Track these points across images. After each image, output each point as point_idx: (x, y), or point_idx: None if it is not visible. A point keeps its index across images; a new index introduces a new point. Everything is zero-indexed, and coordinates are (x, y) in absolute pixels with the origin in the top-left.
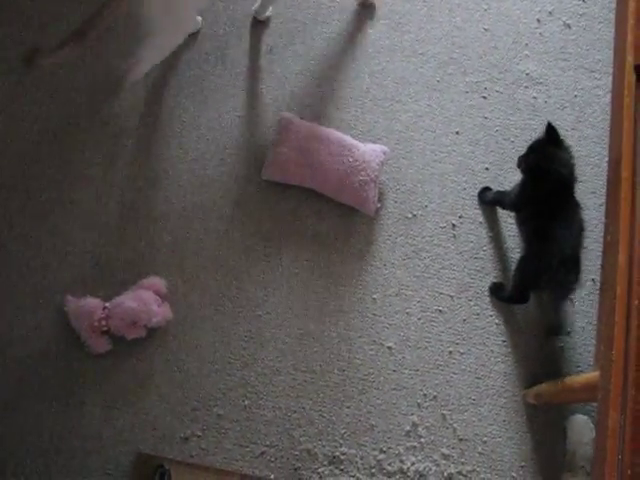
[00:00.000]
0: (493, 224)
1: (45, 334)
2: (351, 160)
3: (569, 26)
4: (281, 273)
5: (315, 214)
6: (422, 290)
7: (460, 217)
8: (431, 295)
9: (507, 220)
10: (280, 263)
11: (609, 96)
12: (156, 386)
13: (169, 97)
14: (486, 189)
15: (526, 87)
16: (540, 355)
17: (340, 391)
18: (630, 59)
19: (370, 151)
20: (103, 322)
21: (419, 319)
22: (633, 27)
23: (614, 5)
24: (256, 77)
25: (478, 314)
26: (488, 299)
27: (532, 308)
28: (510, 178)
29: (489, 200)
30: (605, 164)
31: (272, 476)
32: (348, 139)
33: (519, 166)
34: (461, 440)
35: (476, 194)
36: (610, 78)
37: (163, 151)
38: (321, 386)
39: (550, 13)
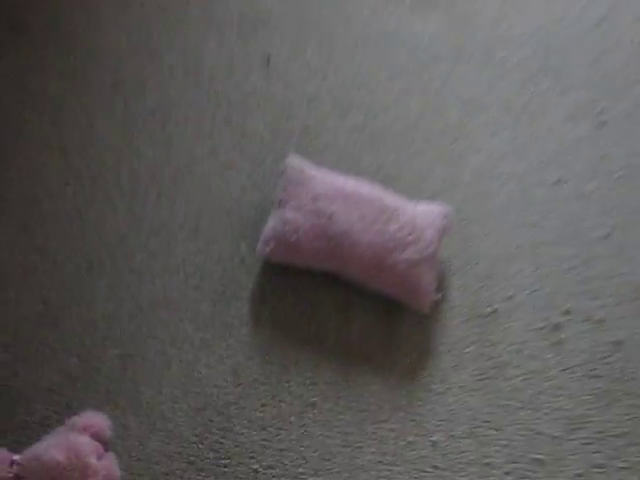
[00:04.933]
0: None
1: None
2: (394, 229)
3: None
4: (289, 404)
5: (339, 312)
6: (509, 428)
7: (566, 312)
8: (524, 436)
9: None
10: (287, 389)
11: None
12: None
13: None
14: None
15: None
16: None
17: None
18: None
19: (423, 214)
20: None
21: (506, 473)
22: None
23: None
24: (246, 102)
25: (601, 466)
26: (616, 441)
27: None
28: None
29: None
30: None
31: None
32: (389, 197)
33: None
34: None
35: (590, 275)
36: None
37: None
38: None
39: None
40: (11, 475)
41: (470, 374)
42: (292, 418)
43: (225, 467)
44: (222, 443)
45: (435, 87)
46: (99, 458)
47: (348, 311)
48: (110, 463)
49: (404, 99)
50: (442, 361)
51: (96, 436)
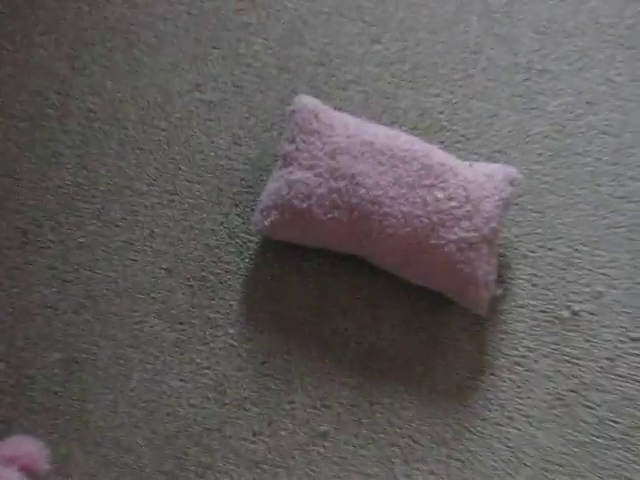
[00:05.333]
0: None
1: None
2: (441, 197)
3: None
4: (292, 433)
5: (363, 309)
6: (592, 475)
7: None
8: None
9: None
10: (290, 413)
11: None
12: None
13: None
14: None
15: None
16: None
17: None
18: None
19: (481, 178)
20: None
21: None
22: None
23: None
24: (239, 15)
25: None
26: None
27: None
28: None
29: None
30: None
31: None
32: (435, 153)
33: None
34: None
35: None
36: None
37: None
38: None
39: None
40: None
41: (540, 399)
42: (295, 452)
43: None
44: None
45: (504, 2)
46: None
47: (375, 308)
48: None
49: (460, 18)
50: (502, 380)
51: (27, 470)
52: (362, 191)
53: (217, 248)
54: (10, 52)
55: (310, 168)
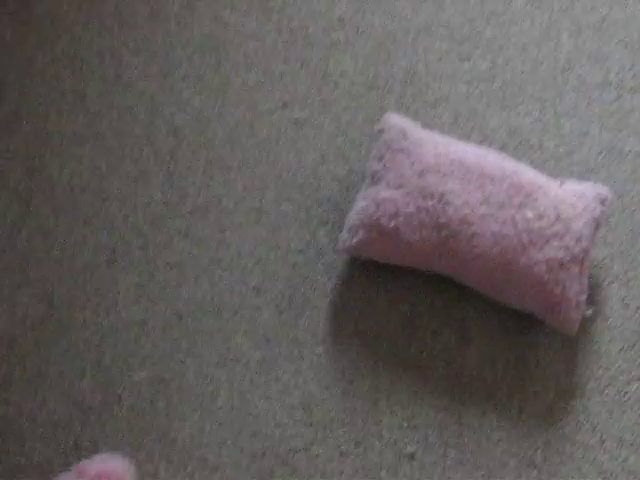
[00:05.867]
0: None
1: None
2: (531, 216)
3: None
4: (379, 454)
5: (451, 329)
6: None
7: None
8: None
9: None
10: (377, 433)
11: None
12: None
13: None
14: None
15: None
16: None
17: None
18: None
19: (572, 198)
20: None
21: None
22: None
23: None
24: (331, 36)
25: None
26: None
27: None
28: None
29: None
30: None
31: None
32: (525, 172)
33: None
34: None
35: None
36: None
37: None
38: None
39: None
40: None
41: (633, 421)
42: (382, 473)
43: None
44: None
45: (595, 20)
46: None
47: (463, 328)
48: None
49: (551, 36)
50: (593, 403)
51: None
52: (451, 210)
53: (304, 267)
54: (100, 71)
55: (398, 187)
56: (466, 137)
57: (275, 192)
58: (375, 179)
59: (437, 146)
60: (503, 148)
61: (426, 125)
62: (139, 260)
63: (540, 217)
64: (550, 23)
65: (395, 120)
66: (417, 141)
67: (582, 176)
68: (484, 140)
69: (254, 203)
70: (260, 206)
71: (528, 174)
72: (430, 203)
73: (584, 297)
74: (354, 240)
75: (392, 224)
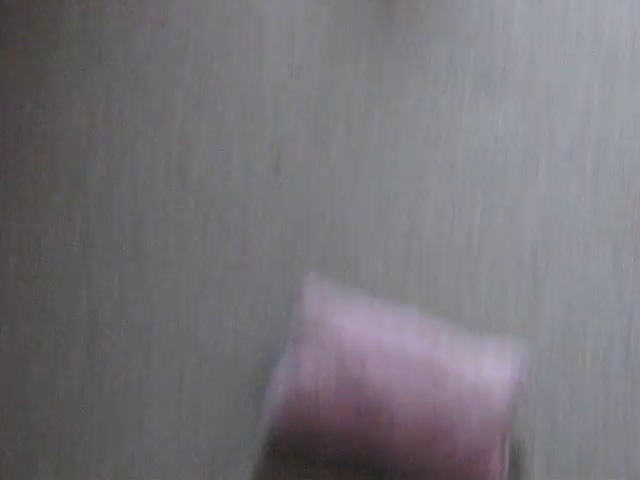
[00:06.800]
0: None
1: None
2: (450, 395)
3: None
4: None
5: None
6: None
7: None
8: None
9: None
10: None
11: None
12: None
13: None
14: None
15: None
16: None
17: None
18: None
19: (490, 364)
20: None
21: None
22: None
23: None
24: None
25: None
26: None
27: None
28: None
29: None
30: None
31: None
32: (442, 348)
33: None
34: None
35: None
36: None
37: None
38: None
39: None
40: None
41: None
42: None
43: None
44: None
45: (510, 192)
46: None
47: None
48: None
49: (465, 203)
50: None
51: None
52: (372, 388)
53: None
54: None
55: (316, 374)
56: (386, 301)
57: (195, 365)
58: (294, 363)
59: (356, 323)
60: (422, 312)
61: (346, 283)
62: (53, 437)
63: (459, 399)
64: (458, 194)
65: (314, 289)
66: (336, 323)
67: (501, 342)
68: (403, 304)
69: (173, 381)
70: (179, 384)
71: (444, 352)
72: (356, 382)
73: (506, 470)
74: (278, 417)
75: (317, 402)
